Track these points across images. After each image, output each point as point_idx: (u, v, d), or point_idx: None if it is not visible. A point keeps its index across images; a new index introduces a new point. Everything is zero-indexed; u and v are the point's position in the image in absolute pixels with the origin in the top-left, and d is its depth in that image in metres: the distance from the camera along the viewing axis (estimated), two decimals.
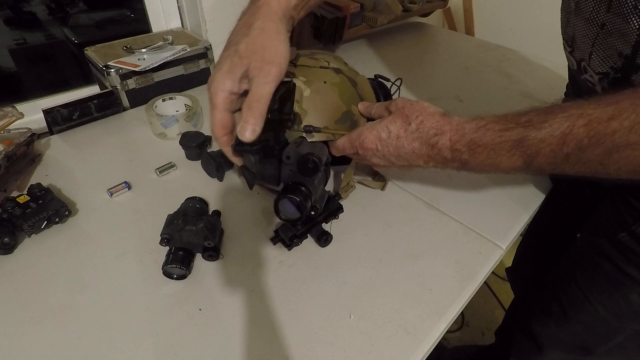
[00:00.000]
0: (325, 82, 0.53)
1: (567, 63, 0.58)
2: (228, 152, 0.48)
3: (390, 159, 0.49)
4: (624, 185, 0.52)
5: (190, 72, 0.90)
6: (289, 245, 0.54)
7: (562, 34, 0.56)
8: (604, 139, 0.32)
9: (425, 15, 1.47)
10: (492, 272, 0.57)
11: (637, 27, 0.40)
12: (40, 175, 0.66)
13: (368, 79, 0.64)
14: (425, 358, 0.46)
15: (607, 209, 0.56)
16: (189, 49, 0.87)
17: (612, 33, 0.44)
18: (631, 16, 0.40)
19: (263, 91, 0.43)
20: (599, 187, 0.58)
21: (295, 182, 0.45)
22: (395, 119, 0.47)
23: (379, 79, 0.66)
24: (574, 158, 0.34)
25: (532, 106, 0.40)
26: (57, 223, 0.57)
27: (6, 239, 0.52)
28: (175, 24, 1.02)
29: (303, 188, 0.45)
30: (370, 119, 0.54)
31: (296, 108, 0.51)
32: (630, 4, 0.40)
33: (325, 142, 0.52)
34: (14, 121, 0.67)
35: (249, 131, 0.43)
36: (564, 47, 0.56)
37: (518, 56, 1.18)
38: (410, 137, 0.46)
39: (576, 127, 0.33)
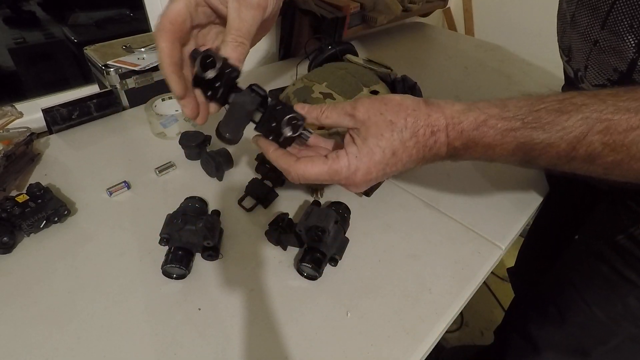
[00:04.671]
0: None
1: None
2: (178, 85, 0.37)
3: (382, 178, 0.40)
4: (622, 188, 0.52)
5: None
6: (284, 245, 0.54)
7: (558, 42, 0.55)
8: (620, 149, 0.30)
9: (425, 15, 1.48)
10: (492, 272, 0.57)
11: (634, 45, 0.39)
12: (39, 175, 0.66)
13: (395, 80, 0.66)
14: (424, 358, 0.46)
15: (605, 212, 0.55)
16: None
17: (605, 50, 0.43)
18: (627, 35, 0.40)
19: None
20: (596, 190, 0.58)
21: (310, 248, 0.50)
22: (379, 131, 0.37)
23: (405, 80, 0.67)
24: (578, 162, 0.31)
25: (539, 95, 0.34)
26: (56, 222, 0.56)
27: (5, 238, 0.52)
28: None
29: (318, 254, 0.50)
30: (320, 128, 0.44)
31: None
32: (626, 22, 0.39)
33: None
34: (13, 120, 0.67)
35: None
36: (561, 56, 0.55)
37: (518, 56, 1.18)
38: (408, 148, 0.37)
39: (591, 134, 0.30)
